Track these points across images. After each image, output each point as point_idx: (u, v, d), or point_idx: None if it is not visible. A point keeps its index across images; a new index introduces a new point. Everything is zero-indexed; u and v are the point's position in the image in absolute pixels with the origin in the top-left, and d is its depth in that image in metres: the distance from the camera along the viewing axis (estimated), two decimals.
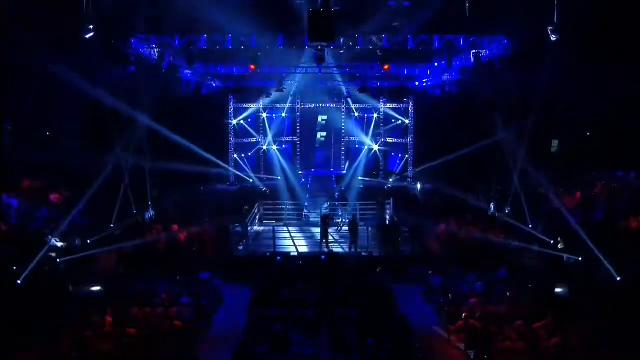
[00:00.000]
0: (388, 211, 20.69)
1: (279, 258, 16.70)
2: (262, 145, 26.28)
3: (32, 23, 14.31)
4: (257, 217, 21.07)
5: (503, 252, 16.29)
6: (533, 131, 18.36)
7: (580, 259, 14.85)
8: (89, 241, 15.93)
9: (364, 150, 26.46)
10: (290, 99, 25.73)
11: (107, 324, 11.88)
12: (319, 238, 18.29)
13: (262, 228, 20.72)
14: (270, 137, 26.14)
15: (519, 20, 15.26)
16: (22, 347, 10.81)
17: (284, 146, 26.73)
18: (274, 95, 24.06)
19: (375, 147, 26.45)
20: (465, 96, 21.10)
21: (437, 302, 14.29)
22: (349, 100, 25.72)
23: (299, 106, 26.37)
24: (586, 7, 14.71)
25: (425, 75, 23.09)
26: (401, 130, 26.37)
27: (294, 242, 18.60)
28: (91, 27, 13.83)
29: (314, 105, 26.36)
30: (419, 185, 23.25)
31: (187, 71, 20.42)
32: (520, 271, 15.19)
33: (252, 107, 25.93)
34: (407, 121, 25.95)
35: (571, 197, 19.43)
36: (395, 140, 26.65)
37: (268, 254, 17.22)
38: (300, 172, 26.33)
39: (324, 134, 26.60)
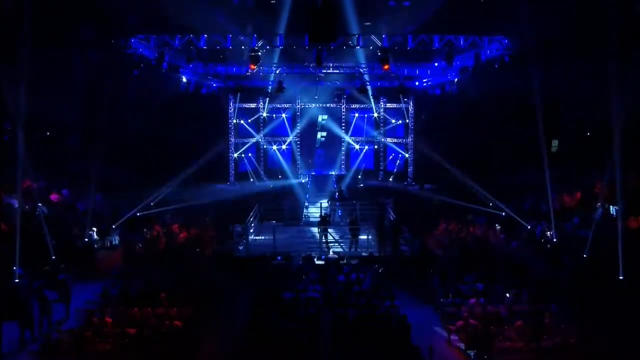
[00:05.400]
0: (389, 211, 20.66)
1: (279, 258, 16.69)
2: (261, 144, 26.31)
3: None
4: (257, 217, 21.05)
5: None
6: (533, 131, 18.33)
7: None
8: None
9: (364, 151, 26.47)
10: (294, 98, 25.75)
11: (107, 324, 11.88)
12: (318, 238, 18.28)
13: (261, 229, 20.71)
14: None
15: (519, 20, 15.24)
16: None
17: (284, 146, 26.74)
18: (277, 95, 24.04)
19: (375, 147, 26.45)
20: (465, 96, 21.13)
21: (437, 302, 14.29)
22: (349, 100, 25.74)
23: (299, 106, 26.36)
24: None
25: (425, 75, 23.07)
26: (401, 130, 26.37)
27: (293, 242, 18.57)
28: None
29: (314, 105, 26.38)
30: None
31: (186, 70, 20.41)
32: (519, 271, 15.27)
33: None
34: (407, 121, 25.97)
35: (571, 196, 19.41)
36: (395, 140, 26.64)
37: (268, 254, 17.22)
38: (300, 172, 26.33)
39: (324, 134, 26.58)
